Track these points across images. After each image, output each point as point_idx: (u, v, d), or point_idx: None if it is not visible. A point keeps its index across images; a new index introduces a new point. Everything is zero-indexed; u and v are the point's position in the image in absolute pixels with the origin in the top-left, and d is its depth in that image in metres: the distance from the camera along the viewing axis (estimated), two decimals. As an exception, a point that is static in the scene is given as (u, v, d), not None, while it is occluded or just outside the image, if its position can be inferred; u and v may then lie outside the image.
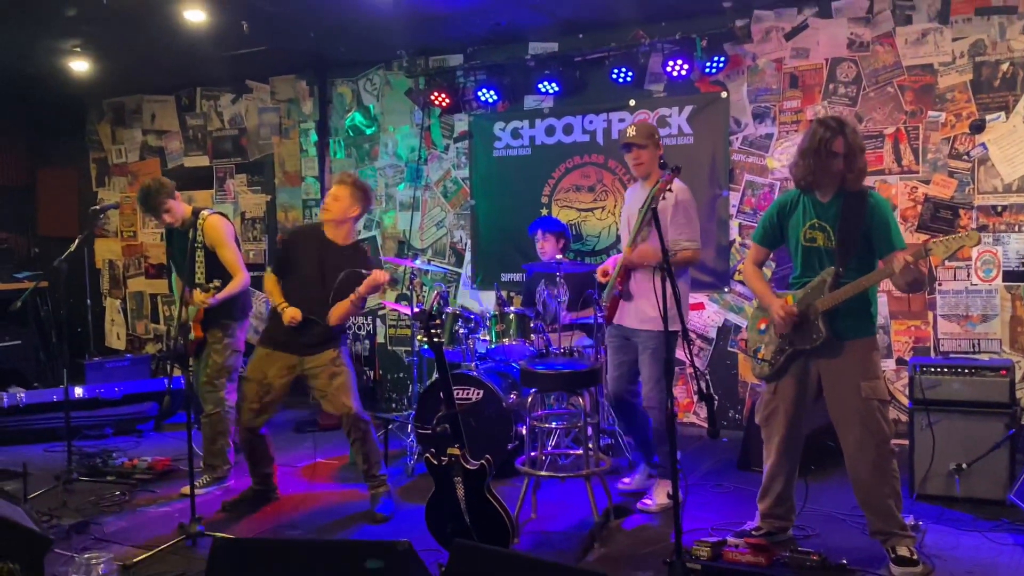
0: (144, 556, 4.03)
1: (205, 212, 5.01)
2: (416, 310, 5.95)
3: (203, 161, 8.53)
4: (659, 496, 4.59)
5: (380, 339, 7.67)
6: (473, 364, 5.45)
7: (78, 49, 6.78)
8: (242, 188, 8.35)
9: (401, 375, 7.53)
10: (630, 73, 6.30)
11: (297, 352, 4.66)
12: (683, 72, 6.09)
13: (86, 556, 3.98)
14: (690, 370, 6.21)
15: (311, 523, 4.57)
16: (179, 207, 5.13)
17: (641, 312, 4.48)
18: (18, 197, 9.22)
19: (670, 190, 4.27)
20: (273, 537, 4.04)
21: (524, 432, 4.82)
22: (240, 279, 4.97)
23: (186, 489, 4.95)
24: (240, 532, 4.41)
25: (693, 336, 6.28)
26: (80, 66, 7.27)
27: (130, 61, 7.33)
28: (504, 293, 5.73)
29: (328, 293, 4.54)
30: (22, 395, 6.62)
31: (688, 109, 6.32)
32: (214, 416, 5.12)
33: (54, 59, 7.06)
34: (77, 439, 6.14)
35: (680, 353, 5.11)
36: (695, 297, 6.23)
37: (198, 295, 4.71)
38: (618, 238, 6.60)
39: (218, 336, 5.06)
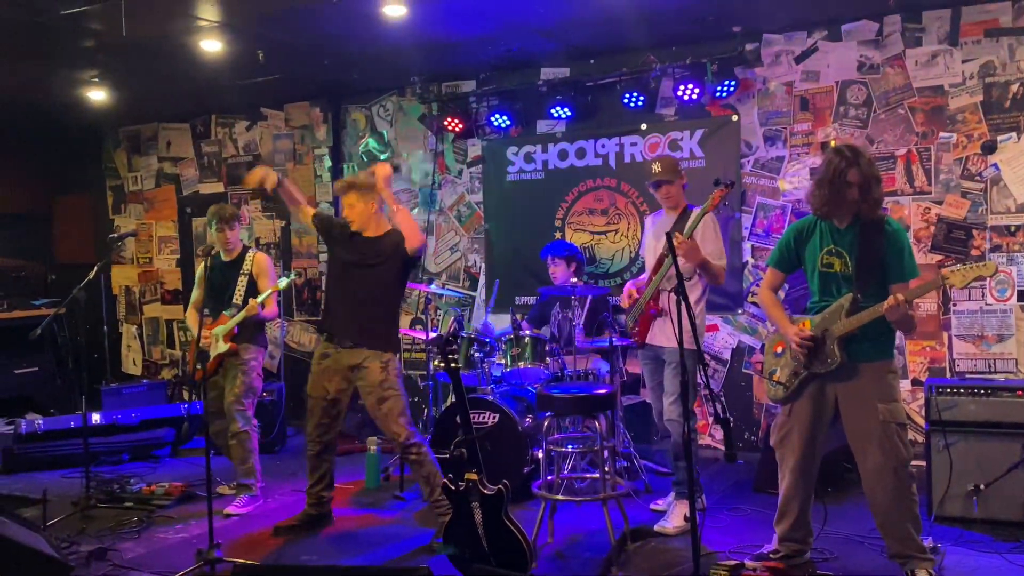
0: (167, 582, 4.06)
1: (253, 249, 5.66)
2: (432, 335, 5.99)
3: (218, 188, 8.61)
4: (676, 519, 4.58)
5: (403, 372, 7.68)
6: (489, 388, 5.47)
7: (95, 79, 6.87)
8: (256, 214, 8.42)
9: (415, 399, 7.55)
10: (641, 97, 6.35)
11: (336, 336, 4.78)
12: (694, 96, 6.13)
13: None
14: (705, 392, 6.21)
15: (327, 549, 4.58)
16: (239, 234, 5.63)
17: (669, 329, 4.51)
18: (35, 225, 9.30)
19: (726, 203, 4.41)
20: (291, 563, 4.04)
21: (540, 456, 4.84)
22: (273, 308, 5.53)
23: (228, 510, 5.18)
24: (255, 559, 4.42)
25: (707, 358, 6.28)
26: (97, 95, 7.37)
27: (146, 90, 7.43)
28: (518, 316, 5.76)
29: (375, 288, 4.70)
30: (39, 422, 6.66)
31: (699, 132, 6.36)
32: (242, 435, 5.32)
33: (72, 89, 7.16)
34: (94, 465, 6.17)
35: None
36: (709, 319, 6.23)
37: (252, 302, 5.28)
38: (631, 260, 6.65)
39: (244, 359, 5.36)
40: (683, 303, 3.44)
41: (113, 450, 6.61)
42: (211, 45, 5.89)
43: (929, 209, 5.72)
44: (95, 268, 5.63)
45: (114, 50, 5.90)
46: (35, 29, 5.46)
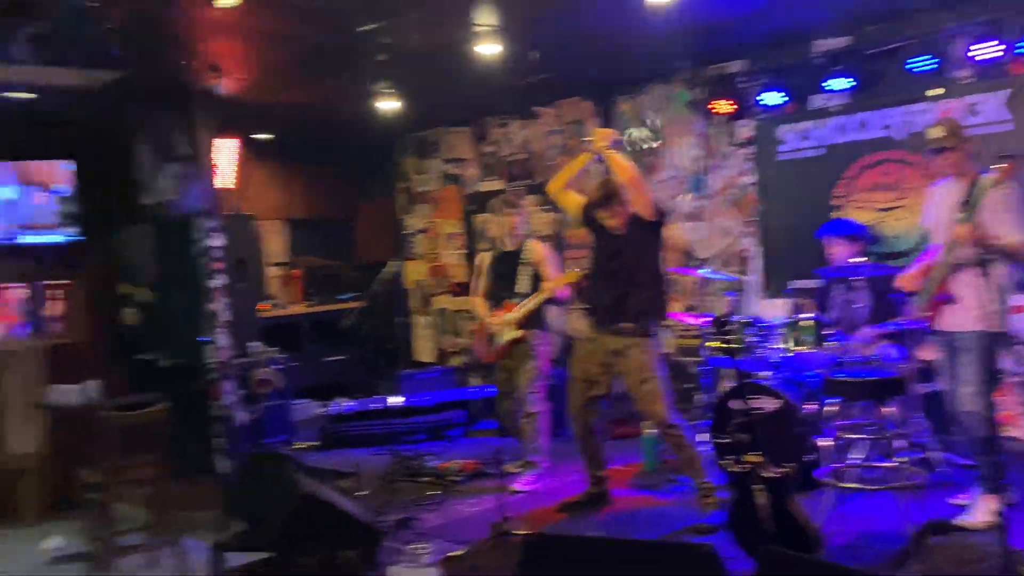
0: (462, 552, 4.38)
1: (531, 238, 5.98)
2: (704, 319, 5.97)
3: (497, 185, 9.07)
4: (981, 514, 4.22)
5: (667, 350, 7.69)
6: (767, 373, 5.34)
7: (388, 90, 7.48)
8: (534, 209, 8.75)
9: (687, 385, 7.50)
10: (931, 61, 5.88)
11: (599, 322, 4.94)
12: (993, 55, 5.58)
13: (412, 547, 4.41)
14: (1017, 379, 5.65)
15: (608, 526, 4.72)
16: (522, 223, 5.96)
17: (962, 312, 4.19)
18: (339, 228, 10.30)
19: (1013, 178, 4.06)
20: (584, 535, 4.23)
21: (823, 443, 4.66)
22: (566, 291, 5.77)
23: (516, 487, 5.50)
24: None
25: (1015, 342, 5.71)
26: (389, 105, 8.01)
27: (431, 97, 7.97)
28: (796, 300, 5.58)
29: (627, 268, 4.85)
30: (348, 404, 7.42)
31: (1003, 94, 5.77)
32: (534, 416, 5.68)
33: (368, 101, 7.83)
34: (395, 444, 6.76)
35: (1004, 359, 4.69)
36: (1019, 299, 5.66)
37: (546, 286, 5.55)
38: (922, 238, 6.19)
39: (534, 344, 5.68)
40: (984, 279, 3.17)
41: (411, 430, 7.21)
42: (488, 49, 6.21)
43: None
44: (391, 265, 6.16)
45: (403, 62, 6.40)
46: (335, 47, 6.07)
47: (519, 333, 5.64)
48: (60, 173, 6.68)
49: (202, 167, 6.94)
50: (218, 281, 6.79)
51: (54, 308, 6.88)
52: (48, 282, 6.84)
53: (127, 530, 5.04)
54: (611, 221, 4.92)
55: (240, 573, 4.42)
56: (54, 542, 5.41)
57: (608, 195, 4.88)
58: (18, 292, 6.72)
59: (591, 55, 6.76)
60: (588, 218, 5.07)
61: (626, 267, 4.85)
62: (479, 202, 9.20)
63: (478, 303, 6.02)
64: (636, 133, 7.86)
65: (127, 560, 4.90)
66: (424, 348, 10.06)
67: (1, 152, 6.58)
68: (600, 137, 5.00)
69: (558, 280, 5.58)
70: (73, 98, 6.02)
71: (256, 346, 7.30)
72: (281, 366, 7.42)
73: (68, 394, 6.43)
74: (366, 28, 5.53)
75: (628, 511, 4.99)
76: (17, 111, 6.28)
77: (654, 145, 7.76)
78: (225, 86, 6.40)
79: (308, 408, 7.98)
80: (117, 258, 7.16)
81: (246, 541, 4.51)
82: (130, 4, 4.46)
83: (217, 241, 6.84)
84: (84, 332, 6.94)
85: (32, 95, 5.93)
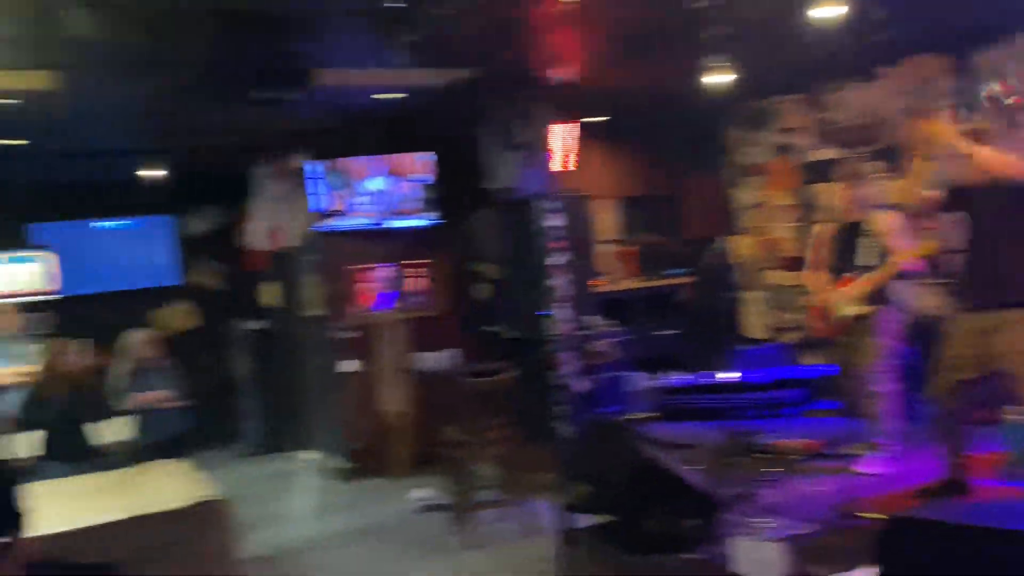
0: (809, 530, 4.31)
1: (876, 209, 5.59)
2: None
3: (834, 154, 8.64)
4: None
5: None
6: None
7: (720, 64, 7.40)
8: (877, 177, 8.23)
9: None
10: None
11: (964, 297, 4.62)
12: None
13: (754, 520, 4.43)
14: None
15: (970, 517, 4.36)
16: (865, 194, 5.72)
17: None
18: (665, 204, 10.37)
19: None
20: (954, 521, 3.98)
21: None
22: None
23: (859, 469, 5.38)
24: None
25: None
26: (719, 79, 7.91)
27: (762, 67, 7.75)
28: None
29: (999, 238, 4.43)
30: (679, 378, 7.52)
31: None
32: (878, 395, 5.42)
33: (698, 77, 7.81)
34: (729, 419, 6.76)
35: None
36: None
37: (894, 259, 5.27)
38: None
39: (877, 320, 5.43)
40: None
41: (746, 406, 7.16)
42: (828, 11, 5.91)
43: None
44: (719, 240, 6.14)
45: (737, 34, 6.30)
46: (668, 27, 6.12)
47: (862, 308, 5.38)
48: (422, 164, 7.42)
49: (541, 153, 7.36)
50: (557, 259, 7.18)
51: (416, 284, 7.68)
52: (411, 261, 7.65)
53: (482, 486, 5.55)
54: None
55: (586, 534, 4.69)
56: (420, 493, 6.10)
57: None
58: (387, 271, 7.58)
59: (944, 5, 6.19)
60: (951, 194, 4.68)
61: (997, 234, 4.42)
62: (814, 172, 8.82)
63: (816, 277, 5.83)
64: (997, 88, 7.10)
65: (483, 514, 5.40)
66: (754, 324, 9.86)
67: (375, 146, 7.46)
68: (934, 132, 4.55)
69: (908, 252, 5.24)
70: (433, 95, 6.67)
71: (593, 319, 7.62)
72: (616, 339, 7.68)
73: (430, 361, 7.20)
74: (699, 5, 5.52)
75: (991, 502, 4.60)
76: (387, 109, 7.08)
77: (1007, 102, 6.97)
78: (562, 74, 6.71)
79: (640, 380, 8.20)
80: (469, 239, 7.83)
81: (590, 503, 4.78)
82: (485, 7, 4.85)
83: (556, 221, 7.22)
84: (442, 306, 7.68)
85: (401, 95, 6.66)
